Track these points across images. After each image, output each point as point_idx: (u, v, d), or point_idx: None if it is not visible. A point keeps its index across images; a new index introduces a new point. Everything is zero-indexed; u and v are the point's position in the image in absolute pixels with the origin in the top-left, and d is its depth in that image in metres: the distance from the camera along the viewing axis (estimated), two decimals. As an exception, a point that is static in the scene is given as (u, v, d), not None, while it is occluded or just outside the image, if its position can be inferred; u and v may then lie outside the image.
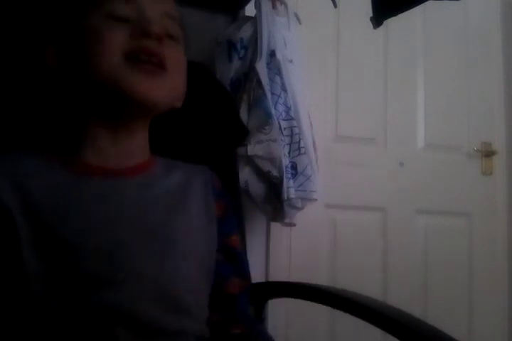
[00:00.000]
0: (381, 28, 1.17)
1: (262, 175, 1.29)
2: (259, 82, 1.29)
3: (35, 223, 0.60)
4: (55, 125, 0.73)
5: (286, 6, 1.40)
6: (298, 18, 1.45)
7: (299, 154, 1.30)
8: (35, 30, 0.81)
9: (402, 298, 1.59)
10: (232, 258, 0.77)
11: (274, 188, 1.29)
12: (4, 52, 0.83)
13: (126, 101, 0.65)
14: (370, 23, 1.16)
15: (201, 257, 0.70)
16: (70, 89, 0.70)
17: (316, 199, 1.34)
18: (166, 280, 0.65)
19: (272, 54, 1.32)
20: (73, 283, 0.59)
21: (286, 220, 1.35)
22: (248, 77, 1.31)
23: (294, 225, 1.40)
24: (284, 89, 1.31)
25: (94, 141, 0.69)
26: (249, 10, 1.48)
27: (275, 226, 1.57)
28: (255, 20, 1.34)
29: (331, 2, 1.35)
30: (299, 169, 1.30)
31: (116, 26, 0.66)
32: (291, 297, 1.02)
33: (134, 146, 0.72)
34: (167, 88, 0.67)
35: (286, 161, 1.28)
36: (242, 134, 1.13)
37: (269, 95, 1.28)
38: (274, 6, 1.37)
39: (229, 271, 0.76)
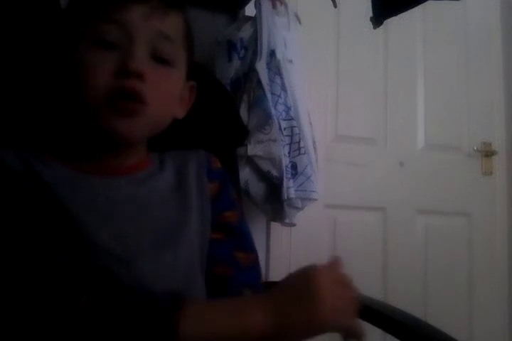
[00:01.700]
0: (381, 28, 1.17)
1: (262, 175, 1.29)
2: (259, 82, 1.29)
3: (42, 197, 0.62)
4: (53, 126, 0.74)
5: (286, 6, 1.40)
6: (298, 18, 1.45)
7: (299, 154, 1.30)
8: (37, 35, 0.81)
9: (402, 298, 1.59)
10: (231, 234, 0.76)
11: (274, 188, 1.29)
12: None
13: (107, 138, 0.67)
14: (370, 23, 1.17)
15: (199, 246, 0.71)
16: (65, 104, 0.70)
17: (316, 199, 1.34)
18: (165, 274, 0.65)
19: (272, 54, 1.32)
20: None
21: (286, 220, 1.34)
22: (248, 77, 1.31)
23: (294, 225, 1.40)
24: (284, 89, 1.31)
25: (89, 147, 0.70)
26: (249, 10, 1.48)
27: (275, 226, 1.57)
28: (255, 20, 1.34)
29: (331, 2, 1.35)
30: (299, 169, 1.30)
31: (103, 58, 0.65)
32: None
33: (132, 154, 0.73)
34: (146, 123, 0.67)
35: (286, 161, 1.28)
36: (242, 134, 1.13)
37: (269, 95, 1.28)
38: (274, 6, 1.37)
39: (230, 247, 0.75)
